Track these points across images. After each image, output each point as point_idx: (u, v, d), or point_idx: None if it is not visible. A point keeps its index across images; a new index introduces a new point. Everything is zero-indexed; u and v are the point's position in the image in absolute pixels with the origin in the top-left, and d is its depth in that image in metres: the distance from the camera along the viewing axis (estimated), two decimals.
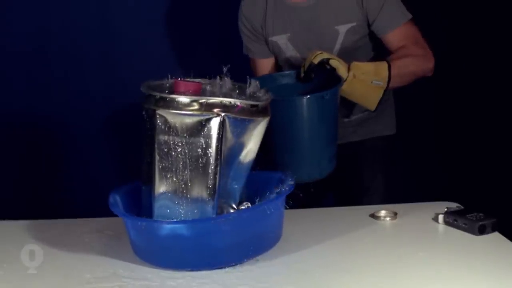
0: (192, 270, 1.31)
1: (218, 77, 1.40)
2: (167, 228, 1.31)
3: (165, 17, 2.69)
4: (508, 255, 1.37)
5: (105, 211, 1.45)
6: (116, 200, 1.40)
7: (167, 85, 1.39)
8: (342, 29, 1.92)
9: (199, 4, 2.69)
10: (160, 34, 2.70)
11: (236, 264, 1.33)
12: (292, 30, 1.96)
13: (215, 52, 2.61)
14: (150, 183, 1.35)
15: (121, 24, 2.68)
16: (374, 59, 1.98)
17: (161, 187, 1.33)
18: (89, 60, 2.70)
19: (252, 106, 1.34)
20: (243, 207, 1.39)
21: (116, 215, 1.38)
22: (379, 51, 2.00)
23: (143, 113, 1.35)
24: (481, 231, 1.46)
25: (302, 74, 1.79)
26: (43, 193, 2.73)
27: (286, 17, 1.95)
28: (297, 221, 1.43)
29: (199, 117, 1.29)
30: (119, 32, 2.69)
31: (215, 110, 1.29)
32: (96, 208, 1.52)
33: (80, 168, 2.75)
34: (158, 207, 1.34)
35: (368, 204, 1.80)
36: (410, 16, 1.92)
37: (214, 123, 1.30)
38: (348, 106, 1.92)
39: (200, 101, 1.30)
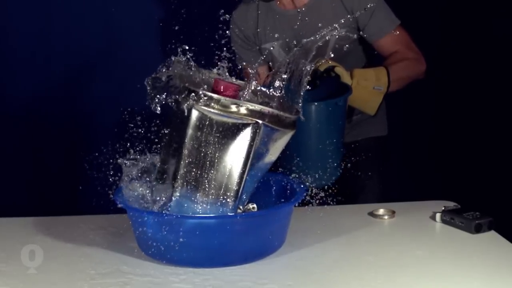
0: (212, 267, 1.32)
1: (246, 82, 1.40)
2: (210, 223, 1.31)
3: (168, 17, 2.70)
4: (504, 253, 1.39)
5: (109, 208, 1.47)
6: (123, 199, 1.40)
7: (198, 79, 1.37)
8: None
9: (204, 4, 2.70)
10: (164, 33, 2.72)
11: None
12: (284, 37, 1.97)
13: (221, 53, 2.62)
14: (172, 175, 1.33)
15: (124, 23, 2.70)
16: (367, 63, 2.01)
17: (184, 181, 1.31)
18: (93, 59, 2.71)
19: (286, 117, 1.33)
20: (249, 207, 1.40)
21: (119, 212, 1.40)
22: (369, 54, 2.03)
23: (173, 104, 1.34)
24: (478, 229, 1.48)
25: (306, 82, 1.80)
26: (47, 191, 2.75)
27: (278, 24, 1.96)
28: (296, 219, 1.44)
29: (237, 121, 1.28)
30: (122, 31, 2.70)
31: (253, 116, 1.28)
32: (100, 205, 1.53)
33: (83, 166, 2.76)
34: (177, 201, 1.32)
35: (364, 203, 1.82)
36: (398, 22, 1.95)
37: (251, 130, 1.28)
38: (349, 109, 1.94)
39: (241, 105, 1.28)
